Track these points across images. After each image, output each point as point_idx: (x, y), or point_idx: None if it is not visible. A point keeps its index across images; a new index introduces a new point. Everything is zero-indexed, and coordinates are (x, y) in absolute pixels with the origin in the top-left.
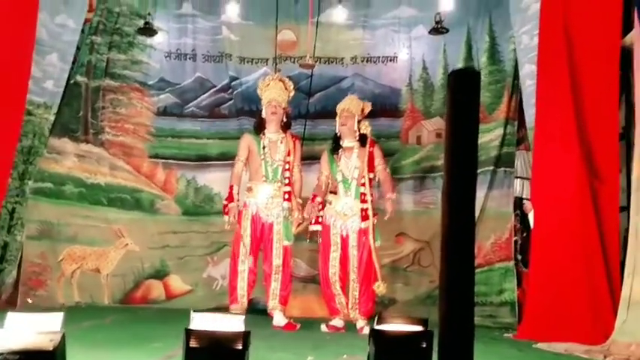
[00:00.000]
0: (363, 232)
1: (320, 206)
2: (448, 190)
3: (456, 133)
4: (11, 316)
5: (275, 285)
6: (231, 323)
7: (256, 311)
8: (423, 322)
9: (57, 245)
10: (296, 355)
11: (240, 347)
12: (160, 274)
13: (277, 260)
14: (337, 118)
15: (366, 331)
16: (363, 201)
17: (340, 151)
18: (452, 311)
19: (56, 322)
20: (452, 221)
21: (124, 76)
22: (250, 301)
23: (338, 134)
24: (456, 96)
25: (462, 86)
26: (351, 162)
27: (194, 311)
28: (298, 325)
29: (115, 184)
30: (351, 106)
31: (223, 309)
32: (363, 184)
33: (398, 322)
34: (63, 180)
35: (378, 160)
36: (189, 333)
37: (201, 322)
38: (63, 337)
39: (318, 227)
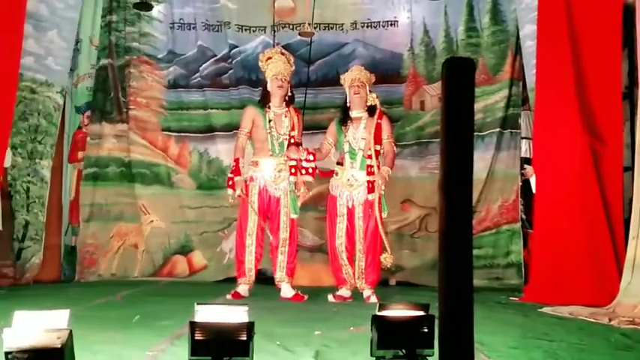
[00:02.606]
0: (369, 204)
1: (311, 157)
2: (445, 183)
3: (452, 128)
4: (18, 315)
5: (282, 258)
6: (235, 314)
7: (264, 281)
8: (424, 307)
9: (107, 224)
10: (304, 329)
11: (245, 338)
12: (184, 250)
13: (284, 233)
14: (347, 88)
15: (373, 300)
16: (370, 173)
17: (348, 121)
18: (451, 305)
19: (63, 319)
20: (449, 214)
21: (134, 48)
22: (258, 272)
23: (348, 104)
24: (451, 87)
25: (456, 76)
26: (358, 133)
27: (198, 304)
28: (306, 297)
29: (136, 160)
30: (361, 75)
31: (233, 280)
32: (370, 156)
33: (399, 308)
34: (106, 162)
35: (386, 133)
36: (193, 325)
37: (206, 313)
38: (70, 334)
39: (309, 178)
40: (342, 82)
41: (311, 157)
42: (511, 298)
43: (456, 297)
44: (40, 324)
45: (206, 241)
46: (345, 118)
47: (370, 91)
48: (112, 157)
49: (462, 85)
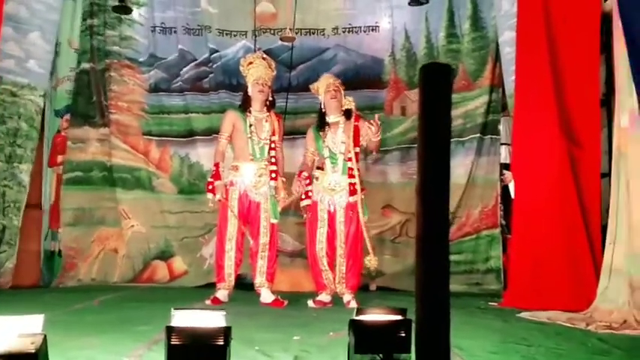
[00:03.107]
0: (350, 207)
1: (307, 181)
2: (422, 188)
3: (429, 134)
4: None
5: (262, 262)
6: (212, 319)
7: (244, 286)
8: (402, 311)
9: (89, 229)
10: (283, 334)
11: (222, 343)
12: (164, 255)
13: (264, 238)
14: (322, 94)
15: (353, 304)
16: (351, 176)
17: (326, 126)
18: (428, 310)
19: (37, 324)
20: (426, 219)
21: (115, 52)
22: (237, 277)
23: (323, 110)
24: (427, 93)
25: (433, 82)
26: (337, 137)
27: (174, 309)
28: (286, 302)
29: (120, 165)
30: (335, 81)
31: (212, 285)
32: (350, 159)
33: (377, 312)
34: (89, 166)
35: (365, 130)
36: (170, 330)
37: (182, 318)
38: (44, 339)
39: (309, 202)
40: (313, 90)
41: (307, 181)
42: (490, 303)
43: (433, 302)
44: (13, 329)
45: (186, 246)
46: (322, 124)
47: (345, 96)
48: (95, 161)
49: (438, 91)
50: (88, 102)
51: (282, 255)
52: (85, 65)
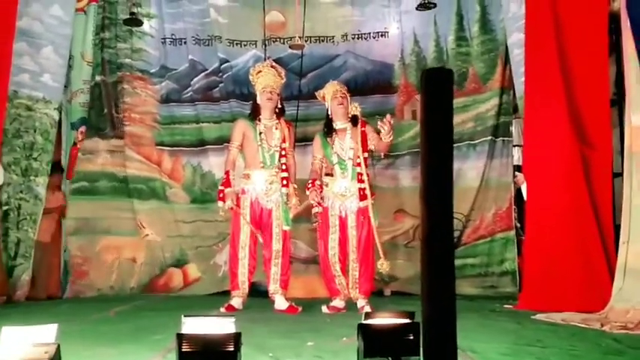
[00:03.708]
0: (361, 212)
1: (320, 189)
2: (426, 192)
3: (431, 137)
4: (6, 330)
5: (275, 270)
6: (223, 325)
7: (258, 294)
8: (410, 314)
9: (94, 238)
10: (297, 340)
11: (232, 349)
12: (179, 263)
13: (277, 245)
14: (329, 101)
15: (367, 310)
16: (360, 181)
17: (333, 133)
18: (434, 312)
19: (51, 333)
20: (430, 222)
21: (127, 65)
22: (252, 285)
23: (330, 116)
24: (429, 97)
25: (435, 86)
26: (345, 143)
27: (185, 316)
28: (300, 308)
29: (133, 175)
30: (342, 87)
31: (227, 293)
32: (359, 164)
33: (385, 316)
34: (97, 177)
35: (372, 135)
36: (180, 337)
37: (193, 325)
38: (58, 348)
39: (320, 209)
40: (319, 97)
41: (320, 189)
42: (505, 305)
43: (439, 304)
44: (28, 339)
45: (201, 254)
46: (329, 130)
47: (351, 102)
48: (105, 172)
49: (440, 95)
50: (100, 114)
51: (296, 262)
52: (97, 78)
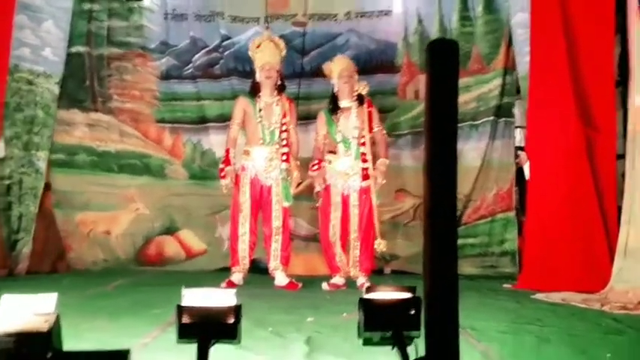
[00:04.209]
0: (363, 191)
1: (324, 169)
2: (429, 166)
3: (436, 110)
4: (5, 298)
5: (275, 246)
6: (223, 298)
7: (258, 271)
8: (411, 289)
9: (72, 213)
10: (297, 316)
11: (232, 321)
12: (170, 231)
13: (277, 222)
14: (335, 79)
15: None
16: (364, 160)
17: (338, 111)
18: (436, 287)
19: (50, 303)
20: (433, 196)
21: (127, 43)
22: (252, 262)
23: (336, 94)
24: (435, 70)
25: (441, 59)
26: (350, 122)
27: (185, 287)
28: (300, 285)
29: (124, 151)
30: (349, 65)
31: (229, 270)
32: (363, 144)
33: (386, 291)
34: (75, 150)
35: (376, 121)
36: (181, 309)
37: (193, 297)
38: (58, 318)
39: (322, 187)
40: (326, 71)
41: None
42: (504, 285)
43: (441, 279)
44: (27, 308)
45: (196, 221)
46: (334, 108)
47: (358, 80)
48: (83, 145)
49: (445, 67)
50: (79, 85)
51: (296, 239)
52: (80, 49)
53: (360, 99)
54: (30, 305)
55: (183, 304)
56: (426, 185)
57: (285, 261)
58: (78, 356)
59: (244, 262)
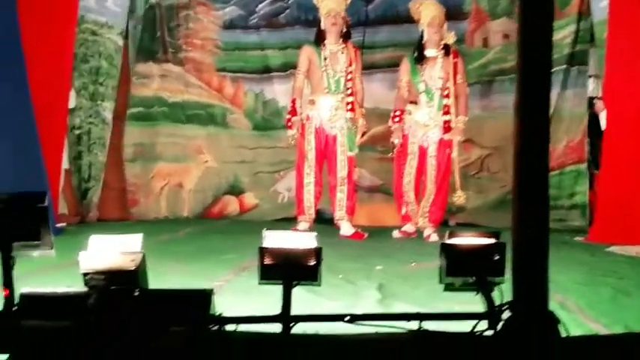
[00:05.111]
0: (444, 144)
1: (397, 118)
2: (521, 104)
3: (529, 47)
4: (94, 238)
5: (341, 196)
6: (304, 240)
7: (323, 221)
8: (495, 234)
9: (149, 165)
10: (365, 264)
11: (314, 263)
12: (235, 191)
13: (342, 172)
14: (425, 26)
15: (434, 238)
16: (446, 112)
17: (424, 60)
18: (526, 221)
19: (136, 242)
20: (525, 129)
21: None
22: (317, 212)
23: (423, 42)
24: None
25: None
26: (435, 72)
27: (266, 229)
28: (366, 234)
29: (191, 101)
30: (441, 13)
31: (290, 220)
32: (447, 96)
33: (469, 236)
34: (151, 102)
35: (461, 74)
36: (263, 251)
37: (274, 239)
38: (143, 257)
39: (399, 138)
40: (414, 15)
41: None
42: (576, 238)
43: (531, 221)
44: (114, 248)
45: (260, 181)
46: (420, 57)
47: (447, 29)
48: (157, 97)
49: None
50: (153, 38)
51: (360, 190)
52: (152, 1)
53: (447, 49)
54: (117, 245)
55: (264, 245)
56: (516, 125)
57: (351, 211)
58: (164, 294)
59: (310, 212)
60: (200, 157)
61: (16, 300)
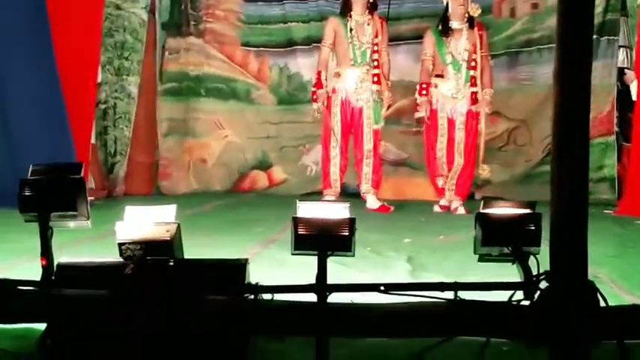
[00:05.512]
0: (472, 115)
1: (424, 91)
2: (560, 70)
3: (570, 3)
4: (129, 209)
5: (367, 169)
6: (337, 210)
7: (348, 195)
8: (531, 205)
9: (181, 139)
10: (393, 235)
11: (347, 233)
12: (263, 166)
13: (368, 145)
14: None
15: (461, 211)
16: (473, 84)
17: (449, 32)
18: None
19: (170, 213)
20: (565, 98)
21: None
22: (342, 185)
23: (448, 15)
24: None
25: None
26: (461, 44)
27: (299, 200)
28: (392, 208)
29: (213, 75)
30: None
31: (317, 193)
32: (474, 67)
33: (505, 206)
34: (180, 77)
35: (485, 47)
36: (296, 221)
37: (307, 210)
38: (178, 228)
39: (425, 113)
40: None
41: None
42: (605, 211)
43: (571, 189)
44: (149, 218)
45: (286, 156)
46: (445, 29)
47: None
48: (183, 71)
49: None
50: (180, 12)
51: (385, 164)
52: None
53: (471, 21)
54: (152, 216)
55: (298, 215)
56: (556, 94)
57: (377, 184)
58: (199, 264)
59: (336, 185)
60: (219, 132)
61: (54, 269)
